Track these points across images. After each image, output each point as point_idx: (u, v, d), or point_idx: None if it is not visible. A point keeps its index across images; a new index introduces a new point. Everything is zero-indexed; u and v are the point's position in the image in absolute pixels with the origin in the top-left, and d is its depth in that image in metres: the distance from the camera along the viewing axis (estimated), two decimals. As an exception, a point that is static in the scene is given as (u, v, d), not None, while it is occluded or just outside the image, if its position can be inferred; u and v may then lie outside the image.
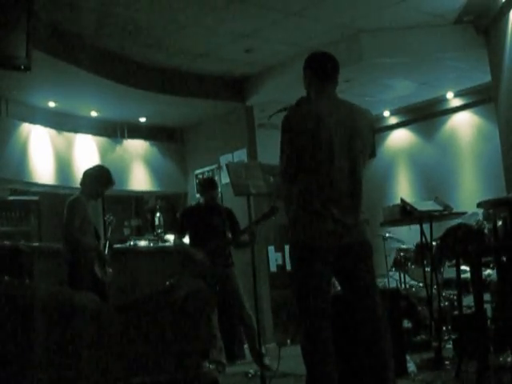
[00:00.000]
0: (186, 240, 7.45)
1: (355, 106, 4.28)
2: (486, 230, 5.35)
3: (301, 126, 4.06)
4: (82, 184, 6.41)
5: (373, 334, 4.01)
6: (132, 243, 8.98)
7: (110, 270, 6.35)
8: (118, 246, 7.94)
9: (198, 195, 7.68)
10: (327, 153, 4.02)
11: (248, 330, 6.99)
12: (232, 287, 7.06)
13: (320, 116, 4.07)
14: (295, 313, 4.12)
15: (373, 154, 4.40)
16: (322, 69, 4.27)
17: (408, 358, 5.71)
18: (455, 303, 6.65)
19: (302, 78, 4.35)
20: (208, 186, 7.42)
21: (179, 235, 7.36)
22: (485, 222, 5.63)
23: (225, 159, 9.06)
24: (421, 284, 7.36)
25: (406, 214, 6.36)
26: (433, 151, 9.93)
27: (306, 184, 4.05)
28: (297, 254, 4.16)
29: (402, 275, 7.89)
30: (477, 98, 9.27)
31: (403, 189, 10.08)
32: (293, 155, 4.06)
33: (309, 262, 4.04)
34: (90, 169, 6.54)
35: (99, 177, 6.44)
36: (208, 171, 9.84)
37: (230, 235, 7.15)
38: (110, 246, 6.58)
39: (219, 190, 9.15)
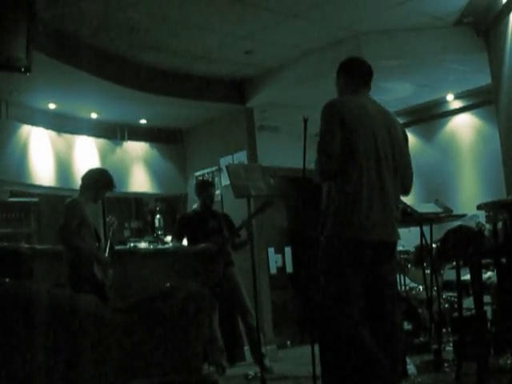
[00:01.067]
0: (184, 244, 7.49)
1: (388, 110, 4.41)
2: (486, 232, 5.35)
3: (345, 111, 4.07)
4: (81, 185, 6.40)
5: (391, 341, 3.96)
6: (132, 245, 8.99)
7: (111, 272, 6.35)
8: (118, 247, 7.94)
9: (196, 197, 7.67)
10: (372, 143, 4.04)
11: (249, 330, 6.99)
12: (234, 286, 7.07)
13: (363, 105, 4.16)
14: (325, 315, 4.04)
15: (408, 163, 4.44)
16: (362, 74, 4.47)
17: (408, 360, 5.71)
18: (455, 305, 6.65)
19: (336, 81, 4.45)
20: (205, 185, 7.47)
21: (177, 241, 7.43)
22: (486, 225, 5.63)
23: (225, 161, 9.05)
24: (421, 286, 7.37)
25: (406, 216, 6.36)
26: (433, 153, 9.92)
27: (350, 172, 3.99)
28: (341, 248, 3.97)
29: (402, 277, 7.89)
30: (477, 100, 9.26)
31: (403, 191, 10.08)
32: (337, 137, 4.00)
33: (355, 257, 3.94)
34: (91, 171, 6.54)
35: (100, 180, 6.44)
36: (208, 173, 9.83)
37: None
38: (111, 248, 6.58)
39: (219, 191, 9.20)
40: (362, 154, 4.00)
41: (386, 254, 4.06)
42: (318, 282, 4.06)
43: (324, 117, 4.12)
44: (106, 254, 6.40)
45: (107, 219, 7.34)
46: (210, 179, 9.49)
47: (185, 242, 7.49)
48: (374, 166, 4.01)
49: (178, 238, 7.50)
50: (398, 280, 7.93)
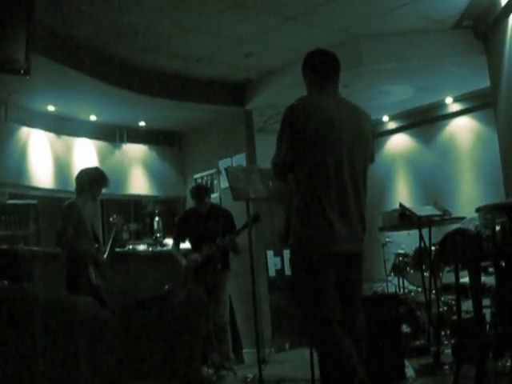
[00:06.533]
0: (185, 245, 7.50)
1: (358, 107, 4.18)
2: (484, 235, 5.35)
3: (307, 119, 3.91)
4: (77, 187, 6.40)
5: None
6: (131, 247, 8.99)
7: (111, 273, 6.35)
8: (117, 249, 7.94)
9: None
10: (334, 151, 3.89)
11: (218, 337, 7.15)
12: (217, 293, 7.11)
13: (327, 112, 3.94)
14: (303, 322, 3.99)
15: (372, 159, 4.35)
16: (322, 68, 4.17)
17: (406, 362, 5.71)
18: (454, 308, 6.64)
19: (303, 77, 4.26)
20: (199, 192, 7.49)
21: (176, 242, 7.45)
22: (483, 229, 5.63)
23: (224, 163, 9.05)
24: (420, 289, 7.37)
25: (405, 219, 6.37)
26: (432, 156, 9.93)
27: (312, 183, 3.88)
28: (306, 260, 3.90)
29: (401, 280, 7.89)
30: (476, 103, 9.28)
31: (402, 194, 10.09)
32: (293, 148, 3.91)
33: (321, 268, 3.86)
34: (84, 171, 6.54)
35: (95, 178, 6.45)
36: (207, 176, 9.83)
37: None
38: (112, 248, 6.58)
39: (218, 193, 9.20)
40: (319, 166, 3.88)
41: (351, 263, 3.98)
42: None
43: (280, 123, 4.01)
44: (106, 255, 6.40)
45: (111, 219, 7.35)
46: (208, 184, 9.51)
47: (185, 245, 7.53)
48: (335, 177, 3.87)
49: (176, 239, 7.52)
50: (397, 282, 7.96)
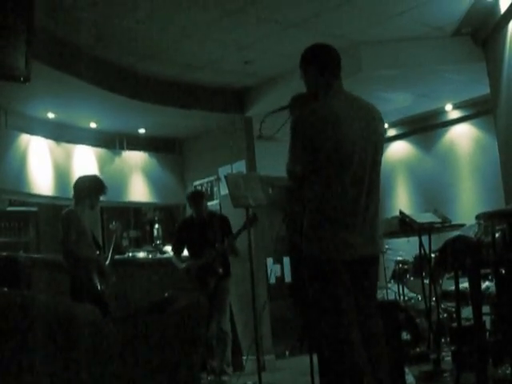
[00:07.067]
0: (185, 254, 7.51)
1: (370, 104, 4.08)
2: (484, 242, 5.35)
3: (318, 126, 3.79)
4: (75, 195, 6.40)
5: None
6: (130, 254, 8.99)
7: (114, 279, 6.35)
8: (117, 257, 7.94)
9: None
10: (347, 158, 3.78)
11: (220, 344, 7.14)
12: (217, 300, 7.10)
13: (339, 117, 3.80)
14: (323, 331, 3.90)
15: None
16: (329, 63, 4.03)
17: (407, 370, 5.70)
18: (454, 315, 6.64)
19: (302, 74, 4.08)
20: (196, 198, 7.50)
21: (175, 251, 7.46)
22: (483, 236, 5.63)
23: (224, 171, 9.06)
24: (419, 296, 7.36)
25: (404, 226, 6.36)
26: (431, 163, 9.93)
27: (326, 189, 3.80)
28: (321, 268, 3.83)
29: (401, 287, 7.88)
30: (475, 110, 9.29)
31: (402, 201, 10.08)
32: (304, 156, 3.85)
33: (336, 275, 3.79)
34: (82, 179, 6.54)
35: (93, 186, 6.45)
36: (207, 183, 9.83)
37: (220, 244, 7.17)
38: (113, 256, 6.58)
39: (217, 201, 9.21)
40: (331, 172, 3.80)
41: (366, 267, 3.91)
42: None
43: (291, 133, 3.93)
44: (108, 262, 6.40)
45: (110, 226, 7.35)
46: (208, 191, 9.51)
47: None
48: (349, 182, 3.78)
49: (175, 247, 7.53)
50: (397, 290, 7.94)
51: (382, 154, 4.06)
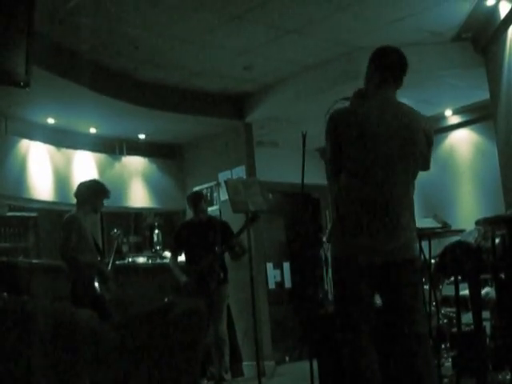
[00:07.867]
0: (182, 258, 7.50)
1: (414, 111, 4.13)
2: (484, 248, 5.34)
3: (345, 128, 3.86)
4: (78, 200, 6.41)
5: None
6: (130, 260, 8.98)
7: (114, 285, 6.36)
8: (117, 262, 7.95)
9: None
10: (373, 159, 3.81)
11: (217, 351, 7.14)
12: (216, 306, 7.09)
13: (368, 120, 3.87)
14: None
15: (426, 167, 4.34)
16: (382, 66, 4.17)
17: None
18: (454, 321, 6.63)
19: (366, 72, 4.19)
20: (195, 199, 7.50)
21: (174, 255, 7.45)
22: (483, 241, 5.63)
23: (223, 176, 9.07)
24: (420, 301, 7.34)
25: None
26: (431, 168, 9.89)
27: (346, 191, 3.85)
28: (342, 269, 3.89)
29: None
30: (475, 116, 9.28)
31: (402, 206, 10.06)
32: (336, 156, 3.88)
33: (353, 278, 3.82)
34: (84, 184, 6.55)
35: (96, 190, 6.46)
36: (207, 188, 9.82)
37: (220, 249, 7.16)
38: (114, 261, 6.58)
39: (217, 206, 9.21)
40: (357, 173, 3.84)
41: (394, 271, 3.84)
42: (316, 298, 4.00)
43: (325, 132, 3.97)
44: (109, 267, 6.41)
45: (111, 233, 7.36)
46: (208, 196, 9.51)
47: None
48: (374, 184, 3.81)
49: (175, 251, 7.52)
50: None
51: (414, 162, 4.19)
